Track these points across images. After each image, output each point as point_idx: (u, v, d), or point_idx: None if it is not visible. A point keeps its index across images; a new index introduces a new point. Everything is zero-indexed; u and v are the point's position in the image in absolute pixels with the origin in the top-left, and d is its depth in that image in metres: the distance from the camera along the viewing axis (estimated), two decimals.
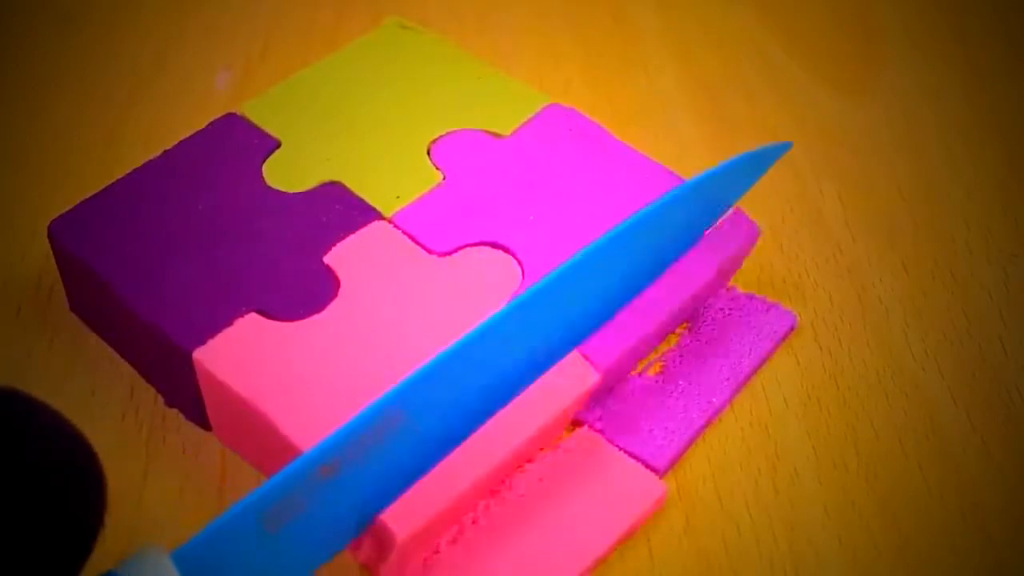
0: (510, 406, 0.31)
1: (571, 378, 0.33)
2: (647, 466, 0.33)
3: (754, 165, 0.35)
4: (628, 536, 0.32)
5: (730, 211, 0.37)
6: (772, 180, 0.42)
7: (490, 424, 0.31)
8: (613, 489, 0.32)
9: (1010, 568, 0.32)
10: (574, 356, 0.33)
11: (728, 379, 0.35)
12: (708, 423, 0.34)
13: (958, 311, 0.37)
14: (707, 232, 0.36)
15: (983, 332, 0.37)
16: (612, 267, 0.32)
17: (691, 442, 0.34)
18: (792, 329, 0.37)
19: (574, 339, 0.32)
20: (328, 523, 0.29)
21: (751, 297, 0.37)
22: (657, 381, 0.35)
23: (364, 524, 0.30)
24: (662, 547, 0.32)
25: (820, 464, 0.34)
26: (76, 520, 0.26)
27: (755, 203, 0.41)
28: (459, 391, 0.30)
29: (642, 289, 0.33)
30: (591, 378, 0.33)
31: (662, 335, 0.36)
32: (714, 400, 0.35)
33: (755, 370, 0.36)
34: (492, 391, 0.31)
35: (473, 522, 0.32)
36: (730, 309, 0.37)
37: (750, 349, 0.36)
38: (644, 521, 0.32)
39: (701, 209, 0.35)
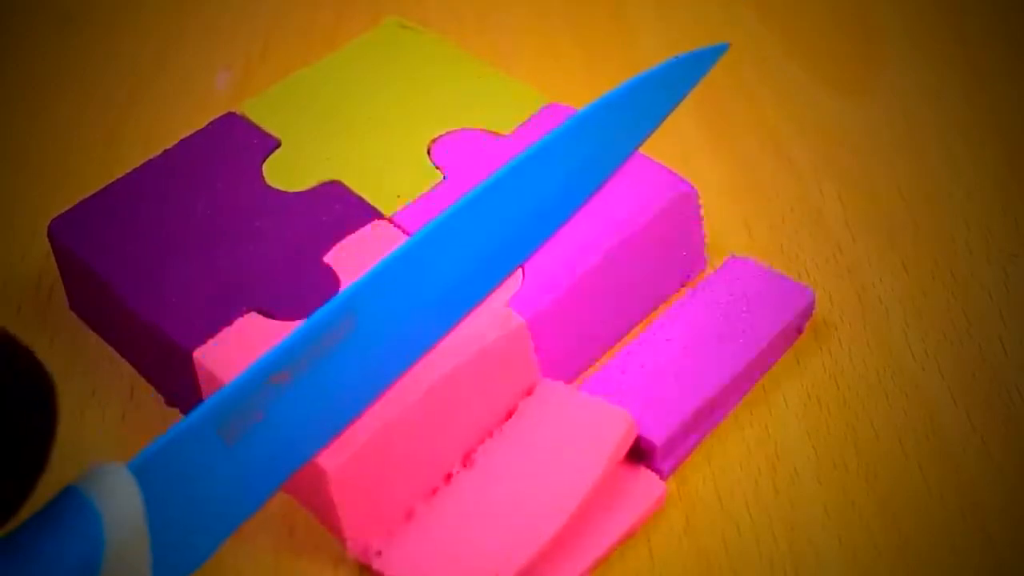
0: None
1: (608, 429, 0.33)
2: (645, 440, 0.33)
3: (678, 75, 0.34)
4: (628, 536, 0.32)
5: (791, 282, 0.37)
6: (772, 180, 0.42)
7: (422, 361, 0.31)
8: (612, 488, 0.32)
9: (1010, 568, 0.32)
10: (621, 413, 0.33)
11: (733, 354, 0.35)
12: (715, 399, 0.34)
13: (958, 311, 0.37)
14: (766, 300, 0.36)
15: (983, 332, 0.37)
16: (551, 172, 0.32)
17: (696, 419, 0.34)
18: (811, 306, 0.37)
19: (514, 257, 0.32)
20: (286, 436, 0.29)
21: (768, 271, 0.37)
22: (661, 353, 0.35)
23: (322, 441, 0.30)
24: (662, 547, 0.32)
25: (820, 464, 0.34)
26: (29, 430, 0.26)
27: (755, 203, 0.41)
28: (407, 298, 0.30)
29: (581, 200, 0.33)
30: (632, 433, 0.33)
31: (719, 405, 0.35)
32: (720, 374, 0.34)
33: (770, 347, 0.35)
34: (439, 303, 0.31)
35: (460, 512, 0.32)
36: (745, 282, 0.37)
37: (762, 322, 0.36)
38: (644, 521, 0.32)
39: (634, 115, 0.33)
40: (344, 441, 0.30)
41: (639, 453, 0.33)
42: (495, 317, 0.33)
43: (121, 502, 0.26)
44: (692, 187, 0.37)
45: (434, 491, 0.32)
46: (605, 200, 0.36)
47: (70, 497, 0.26)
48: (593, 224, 0.35)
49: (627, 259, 0.35)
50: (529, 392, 0.34)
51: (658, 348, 0.35)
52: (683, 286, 0.38)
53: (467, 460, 0.33)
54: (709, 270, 0.38)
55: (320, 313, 0.29)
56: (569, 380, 0.35)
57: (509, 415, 0.34)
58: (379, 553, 0.31)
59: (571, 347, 0.35)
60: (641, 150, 0.37)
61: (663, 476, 0.33)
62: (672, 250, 0.37)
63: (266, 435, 0.29)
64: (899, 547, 0.32)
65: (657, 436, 0.33)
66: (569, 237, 0.35)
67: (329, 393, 0.29)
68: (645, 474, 0.33)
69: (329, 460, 0.30)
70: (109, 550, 0.26)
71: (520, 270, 0.35)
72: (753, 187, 0.41)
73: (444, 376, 0.32)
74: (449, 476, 0.32)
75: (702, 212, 0.37)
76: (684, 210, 0.37)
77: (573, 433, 0.33)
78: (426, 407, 0.32)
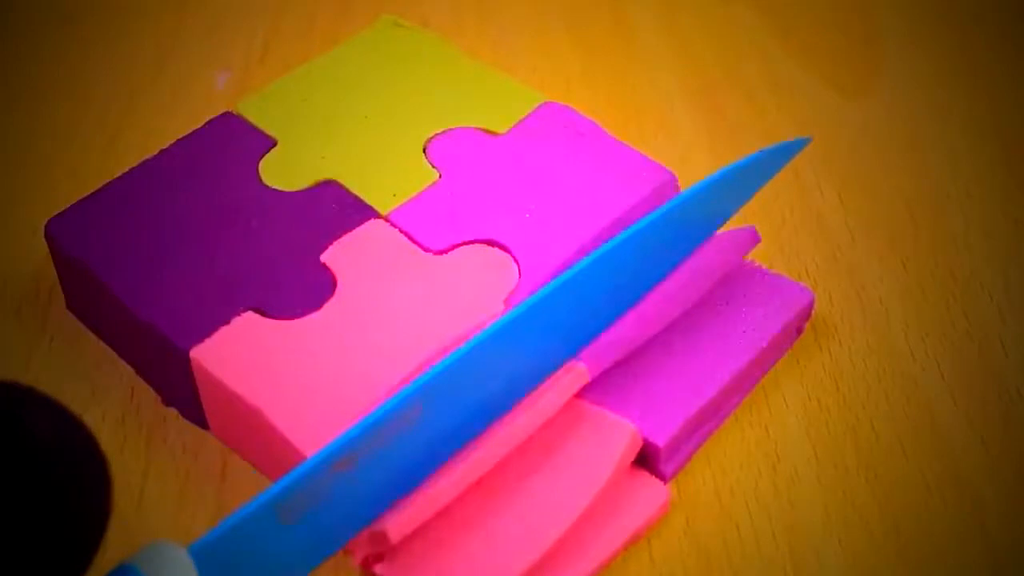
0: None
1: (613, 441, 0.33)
2: (648, 442, 0.33)
3: (764, 166, 0.35)
4: (632, 542, 0.32)
5: (785, 280, 0.37)
6: (772, 180, 0.42)
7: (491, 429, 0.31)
8: (615, 495, 0.32)
9: (1010, 567, 0.32)
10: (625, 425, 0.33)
11: (733, 354, 0.35)
12: (717, 399, 0.34)
13: (958, 311, 0.37)
14: (761, 300, 0.36)
15: (983, 332, 0.37)
16: (617, 271, 0.33)
17: (698, 420, 0.34)
18: (811, 306, 0.37)
19: (579, 341, 0.33)
20: (341, 514, 0.29)
21: (767, 272, 0.37)
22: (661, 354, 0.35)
23: (375, 515, 0.30)
24: (662, 548, 0.32)
25: (820, 464, 0.34)
26: (85, 509, 0.26)
27: (755, 203, 0.41)
28: (473, 388, 0.31)
29: (647, 291, 0.34)
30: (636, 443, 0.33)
31: (720, 406, 0.35)
32: (720, 374, 0.34)
33: (770, 347, 0.35)
34: (503, 389, 0.31)
35: (462, 517, 0.32)
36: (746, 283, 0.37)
37: (761, 322, 0.36)
38: (648, 527, 0.32)
39: (708, 212, 0.35)
40: (411, 509, 0.30)
41: (642, 455, 0.33)
42: (479, 304, 0.33)
43: None
44: (672, 173, 0.37)
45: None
46: (588, 188, 0.36)
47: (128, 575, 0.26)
48: (577, 212, 0.36)
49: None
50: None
51: (658, 350, 0.35)
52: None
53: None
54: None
55: (390, 403, 0.30)
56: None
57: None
58: (382, 558, 0.31)
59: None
60: (632, 144, 0.38)
61: (666, 478, 0.33)
62: None
63: (325, 514, 0.29)
64: (899, 547, 0.32)
65: (660, 438, 0.33)
66: (553, 225, 0.35)
67: (389, 475, 0.30)
68: (649, 480, 0.33)
69: (395, 528, 0.30)
70: None
71: (516, 266, 0.35)
72: None
73: (428, 359, 0.32)
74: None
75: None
76: (665, 196, 0.37)
77: (578, 444, 0.33)
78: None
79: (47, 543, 0.25)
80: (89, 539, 0.27)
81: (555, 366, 0.32)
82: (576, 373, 0.33)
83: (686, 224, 0.34)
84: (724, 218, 0.35)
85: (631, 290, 0.34)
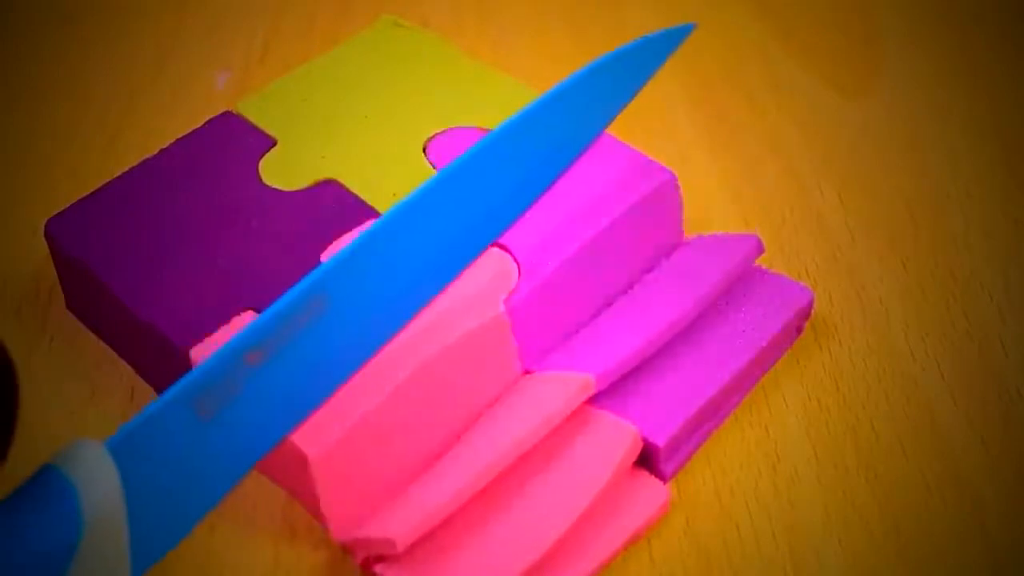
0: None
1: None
2: (647, 442, 0.33)
3: (652, 52, 0.35)
4: (631, 543, 0.32)
5: (784, 279, 0.37)
6: (772, 180, 0.42)
7: (400, 339, 0.31)
8: (615, 495, 0.32)
9: (1010, 567, 0.32)
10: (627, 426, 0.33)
11: (733, 354, 0.35)
12: (717, 399, 0.34)
13: (958, 311, 0.37)
14: (764, 301, 0.36)
15: (983, 332, 0.37)
16: (520, 150, 0.32)
17: (698, 420, 0.34)
18: (810, 305, 0.37)
19: (487, 234, 0.32)
20: (261, 414, 0.29)
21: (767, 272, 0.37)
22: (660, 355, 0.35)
23: (294, 421, 0.30)
24: (662, 548, 0.32)
25: (820, 464, 0.34)
26: None
27: (755, 203, 0.41)
28: (380, 276, 0.30)
29: (551, 178, 0.33)
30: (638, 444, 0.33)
31: (720, 405, 0.35)
32: (720, 374, 0.34)
33: (770, 347, 0.35)
34: (412, 282, 0.31)
35: (463, 518, 0.32)
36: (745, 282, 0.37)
37: (761, 322, 0.35)
38: (648, 528, 0.32)
39: (598, 98, 0.34)
40: (326, 427, 0.30)
41: (642, 455, 0.33)
42: (478, 304, 0.33)
43: (99, 479, 0.26)
44: (672, 173, 0.37)
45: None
46: (587, 188, 0.36)
47: (48, 475, 0.26)
48: (576, 212, 0.35)
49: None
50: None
51: (658, 350, 0.35)
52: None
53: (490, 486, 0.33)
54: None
55: (292, 292, 0.29)
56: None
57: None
58: (382, 558, 0.31)
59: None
60: (632, 144, 0.38)
61: (666, 478, 0.33)
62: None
63: (241, 413, 0.29)
64: (899, 547, 0.32)
65: (659, 438, 0.33)
66: (552, 225, 0.35)
67: (304, 372, 0.29)
68: (649, 480, 0.33)
69: (311, 446, 0.30)
70: (87, 527, 0.26)
71: (516, 266, 0.34)
72: (753, 187, 0.41)
73: (425, 361, 0.32)
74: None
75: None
76: (665, 196, 0.37)
77: (578, 445, 0.33)
78: (407, 393, 0.32)
79: None
80: None
81: (464, 260, 0.32)
82: (584, 384, 0.33)
83: (572, 114, 0.33)
84: (613, 112, 0.34)
85: (535, 175, 0.33)
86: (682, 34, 0.35)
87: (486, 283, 0.34)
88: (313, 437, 0.30)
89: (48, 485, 0.26)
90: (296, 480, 0.32)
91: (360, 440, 0.31)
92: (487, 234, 0.32)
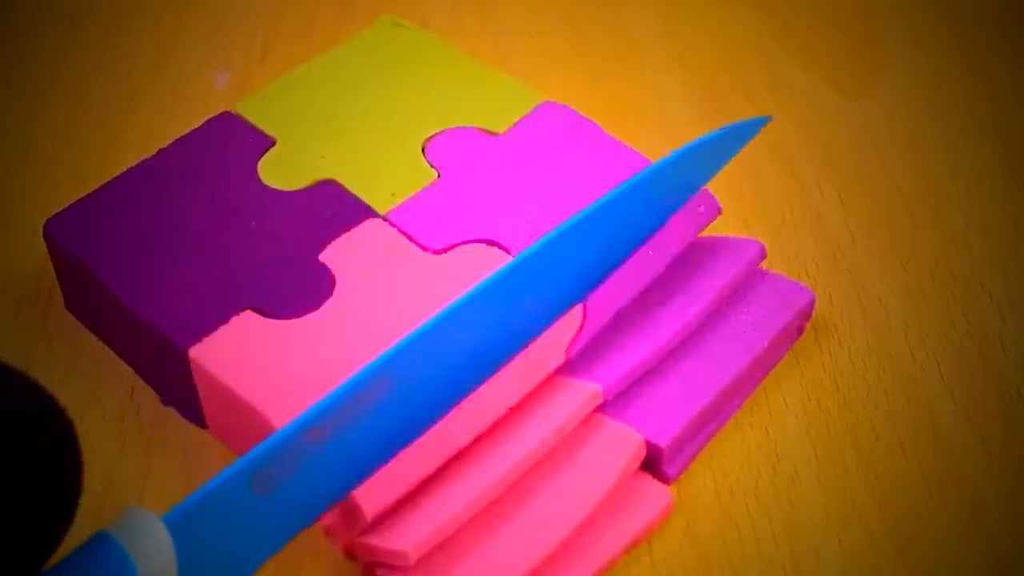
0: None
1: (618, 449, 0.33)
2: (650, 444, 0.33)
3: (730, 141, 0.36)
4: (633, 545, 0.32)
5: (786, 281, 0.37)
6: (772, 180, 0.42)
7: (466, 406, 0.32)
8: (619, 498, 0.32)
9: (1010, 568, 0.32)
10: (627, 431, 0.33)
11: (734, 354, 0.35)
12: (718, 400, 0.34)
13: (958, 311, 0.37)
14: (764, 302, 0.36)
15: (983, 332, 0.37)
16: (588, 242, 0.33)
17: (700, 421, 0.34)
18: (811, 305, 0.36)
19: (554, 312, 0.33)
20: (315, 486, 0.29)
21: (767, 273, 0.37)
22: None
23: (349, 487, 0.30)
24: (663, 549, 0.32)
25: (820, 464, 0.34)
26: (56, 482, 0.26)
27: (755, 203, 0.41)
28: (445, 359, 0.31)
29: (618, 264, 0.34)
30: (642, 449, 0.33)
31: (722, 406, 0.35)
32: (722, 375, 0.34)
33: (771, 347, 0.35)
34: (476, 361, 0.31)
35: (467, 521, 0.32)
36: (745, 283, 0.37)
37: (762, 322, 0.35)
38: (650, 531, 0.32)
39: (676, 184, 0.35)
40: (386, 484, 0.31)
41: (645, 458, 0.33)
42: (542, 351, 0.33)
43: (156, 554, 0.27)
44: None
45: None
46: (589, 190, 0.36)
47: (103, 544, 0.26)
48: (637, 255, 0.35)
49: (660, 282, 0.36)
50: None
51: (659, 350, 0.35)
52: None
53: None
54: None
55: (359, 374, 0.30)
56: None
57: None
58: (388, 566, 0.31)
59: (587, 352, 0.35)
60: (632, 144, 0.38)
61: (669, 480, 0.33)
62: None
63: (298, 487, 0.29)
64: (899, 547, 0.32)
65: (662, 440, 0.33)
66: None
67: (363, 447, 0.30)
68: (652, 484, 0.33)
69: (369, 502, 0.30)
70: None
71: (582, 310, 0.34)
72: (753, 187, 0.41)
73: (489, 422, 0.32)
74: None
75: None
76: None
77: (583, 451, 0.33)
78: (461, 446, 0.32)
79: (18, 517, 0.25)
80: (61, 513, 0.26)
81: (529, 338, 0.33)
82: (592, 395, 0.33)
83: (654, 197, 0.34)
84: (691, 192, 0.36)
85: (603, 262, 0.34)
86: (760, 125, 0.36)
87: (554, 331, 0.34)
88: (372, 494, 0.31)
89: (106, 557, 0.26)
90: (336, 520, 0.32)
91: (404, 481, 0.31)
92: (547, 317, 0.33)
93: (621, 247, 0.34)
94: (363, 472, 0.30)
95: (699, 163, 0.35)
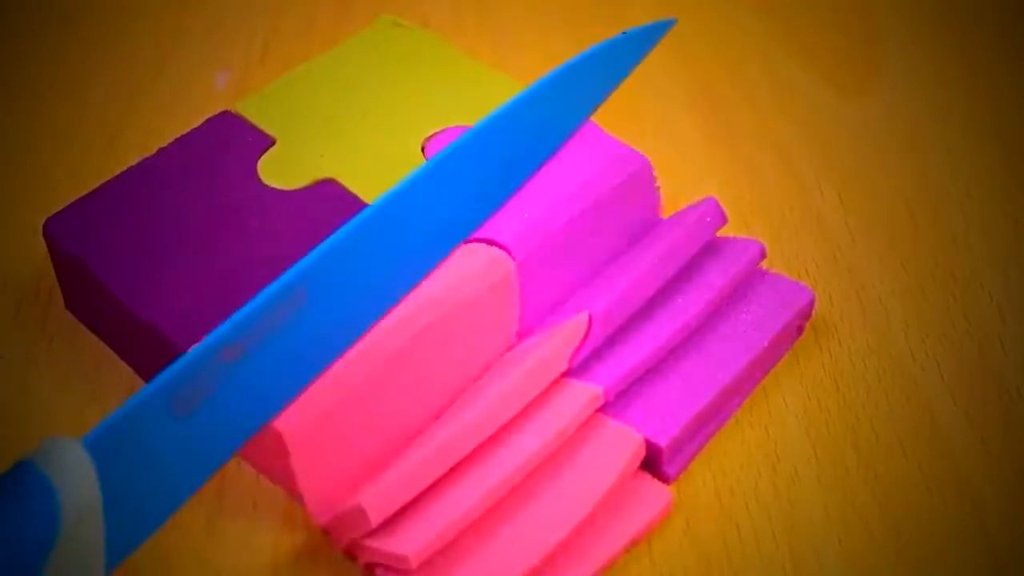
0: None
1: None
2: (650, 444, 0.33)
3: (634, 45, 0.34)
4: (633, 545, 0.32)
5: (786, 279, 0.37)
6: (772, 180, 0.42)
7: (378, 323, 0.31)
8: (618, 498, 0.32)
9: (1010, 568, 0.32)
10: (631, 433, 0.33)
11: (734, 354, 0.35)
12: (718, 399, 0.34)
13: (958, 311, 0.37)
14: (761, 302, 0.36)
15: (983, 332, 0.37)
16: (504, 144, 0.32)
17: (700, 420, 0.34)
18: (811, 305, 0.36)
19: (468, 224, 0.32)
20: (238, 408, 0.29)
21: (767, 273, 0.37)
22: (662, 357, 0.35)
23: (271, 413, 0.30)
24: (663, 548, 0.32)
25: (820, 464, 0.34)
26: None
27: (755, 203, 0.41)
28: (360, 270, 0.30)
29: (534, 168, 0.33)
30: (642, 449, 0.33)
31: (722, 406, 0.35)
32: (722, 374, 0.34)
33: (771, 347, 0.35)
34: (393, 273, 0.31)
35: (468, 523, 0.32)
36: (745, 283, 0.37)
37: (762, 322, 0.35)
38: (650, 530, 0.32)
39: (583, 90, 0.34)
40: (301, 404, 0.30)
41: (645, 457, 0.33)
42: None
43: (77, 477, 0.26)
44: (645, 159, 0.37)
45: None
46: (569, 174, 0.36)
47: (25, 472, 0.26)
48: (558, 199, 0.36)
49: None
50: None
51: (659, 351, 0.35)
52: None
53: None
54: None
55: (271, 288, 0.29)
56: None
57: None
58: (388, 568, 0.31)
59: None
60: (632, 144, 0.38)
61: (669, 480, 0.33)
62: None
63: (218, 407, 0.29)
64: (899, 547, 0.32)
65: (661, 439, 0.33)
66: (535, 212, 0.35)
67: (281, 365, 0.29)
68: (652, 483, 0.33)
69: (285, 423, 0.30)
70: (65, 525, 0.26)
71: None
72: (753, 187, 0.41)
73: (417, 332, 0.32)
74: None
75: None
76: (642, 181, 0.37)
77: (583, 451, 0.33)
78: (395, 364, 0.32)
79: None
80: None
81: (445, 250, 0.32)
82: (593, 397, 0.33)
83: (567, 98, 0.33)
84: (595, 102, 0.34)
85: (513, 170, 0.33)
86: (663, 29, 0.35)
87: (480, 267, 0.34)
88: (289, 414, 0.30)
89: (26, 483, 0.26)
90: (274, 459, 0.31)
91: (338, 416, 0.31)
92: (468, 225, 0.32)
93: (537, 149, 0.33)
94: (285, 395, 0.30)
95: (605, 69, 0.34)
